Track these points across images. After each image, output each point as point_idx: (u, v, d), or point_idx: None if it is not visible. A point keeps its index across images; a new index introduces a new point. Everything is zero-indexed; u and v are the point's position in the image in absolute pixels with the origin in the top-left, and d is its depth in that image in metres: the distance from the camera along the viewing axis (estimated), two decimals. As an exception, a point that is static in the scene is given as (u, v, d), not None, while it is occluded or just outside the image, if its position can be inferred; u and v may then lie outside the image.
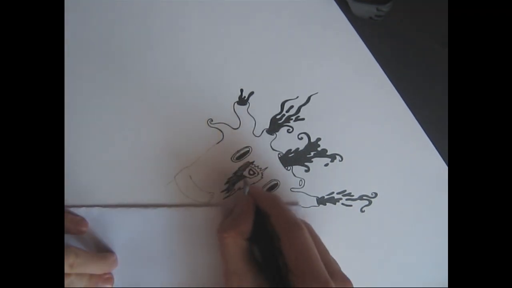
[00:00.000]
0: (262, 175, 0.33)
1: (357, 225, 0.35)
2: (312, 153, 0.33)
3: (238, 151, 0.32)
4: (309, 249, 0.25)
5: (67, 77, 0.29)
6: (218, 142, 0.31)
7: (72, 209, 0.32)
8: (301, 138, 0.32)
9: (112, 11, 0.27)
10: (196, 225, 0.33)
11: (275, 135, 0.32)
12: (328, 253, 0.29)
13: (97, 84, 0.29)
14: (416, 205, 0.34)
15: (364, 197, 0.34)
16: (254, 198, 0.29)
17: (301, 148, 0.32)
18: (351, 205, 0.34)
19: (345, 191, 0.34)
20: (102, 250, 0.33)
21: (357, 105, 0.31)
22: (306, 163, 0.33)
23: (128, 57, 0.29)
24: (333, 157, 0.33)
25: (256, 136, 0.31)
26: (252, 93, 0.30)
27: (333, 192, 0.34)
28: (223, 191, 0.33)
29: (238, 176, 0.33)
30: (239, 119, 0.31)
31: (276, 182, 0.33)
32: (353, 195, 0.34)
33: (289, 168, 0.33)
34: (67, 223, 0.31)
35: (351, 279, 0.27)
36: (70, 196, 0.32)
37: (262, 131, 0.31)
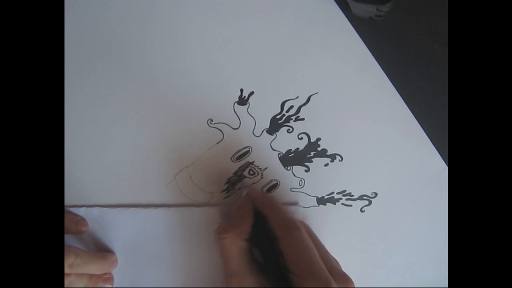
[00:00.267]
0: (262, 175, 0.33)
1: (357, 225, 0.35)
2: (312, 153, 0.33)
3: (238, 151, 0.32)
4: (308, 249, 0.25)
5: (67, 77, 0.29)
6: (218, 142, 0.31)
7: (72, 209, 0.32)
8: (301, 138, 0.32)
9: (112, 12, 0.27)
10: (196, 225, 0.33)
11: (275, 135, 0.32)
12: (328, 252, 0.29)
13: (97, 84, 0.29)
14: (416, 205, 0.34)
15: (364, 197, 0.34)
16: (252, 200, 0.29)
17: (301, 148, 0.32)
18: (351, 205, 0.34)
19: (345, 191, 0.34)
20: (102, 250, 0.33)
21: (357, 105, 0.31)
22: (306, 163, 0.33)
23: (128, 57, 0.29)
24: (333, 157, 0.33)
25: (256, 136, 0.31)
26: (252, 93, 0.30)
27: (333, 192, 0.34)
28: (223, 191, 0.33)
29: (238, 176, 0.33)
30: (239, 119, 0.31)
31: (276, 182, 0.33)
32: (353, 195, 0.34)
33: (289, 168, 0.33)
34: (67, 223, 0.31)
35: (351, 279, 0.27)
36: (70, 196, 0.32)
37: (262, 131, 0.31)
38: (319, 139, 0.32)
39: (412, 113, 0.31)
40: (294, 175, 0.33)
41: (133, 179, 0.32)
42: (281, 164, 0.33)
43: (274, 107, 0.31)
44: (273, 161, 0.33)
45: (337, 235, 0.35)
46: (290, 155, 0.32)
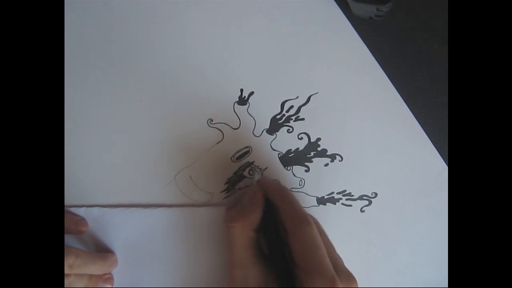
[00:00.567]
0: (262, 175, 0.33)
1: (357, 225, 0.35)
2: (312, 153, 0.33)
3: (238, 151, 0.32)
4: (317, 246, 0.25)
5: (67, 77, 0.29)
6: (218, 142, 0.31)
7: (72, 209, 0.32)
8: (301, 138, 0.32)
9: (112, 12, 0.27)
10: (196, 225, 0.33)
11: (275, 135, 0.32)
12: (334, 250, 0.28)
13: (97, 84, 0.29)
14: (416, 205, 0.34)
15: (364, 197, 0.34)
16: (263, 189, 0.28)
17: (301, 148, 0.32)
18: (351, 205, 0.34)
19: (345, 191, 0.34)
20: (102, 250, 0.33)
21: (357, 105, 0.31)
22: (306, 163, 0.33)
23: (128, 57, 0.29)
24: (333, 157, 0.33)
25: (256, 136, 0.31)
26: (252, 93, 0.30)
27: (333, 192, 0.34)
28: (223, 191, 0.33)
29: (238, 176, 0.33)
30: (239, 119, 0.31)
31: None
32: (353, 195, 0.34)
33: (289, 168, 0.33)
34: (67, 223, 0.31)
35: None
36: (70, 196, 0.32)
37: (262, 131, 0.31)
38: (319, 139, 0.32)
39: (412, 113, 0.31)
40: (294, 175, 0.33)
41: (133, 179, 0.32)
42: (281, 164, 0.33)
43: (274, 107, 0.31)
44: (273, 161, 0.33)
45: (337, 235, 0.35)
46: (290, 155, 0.32)
